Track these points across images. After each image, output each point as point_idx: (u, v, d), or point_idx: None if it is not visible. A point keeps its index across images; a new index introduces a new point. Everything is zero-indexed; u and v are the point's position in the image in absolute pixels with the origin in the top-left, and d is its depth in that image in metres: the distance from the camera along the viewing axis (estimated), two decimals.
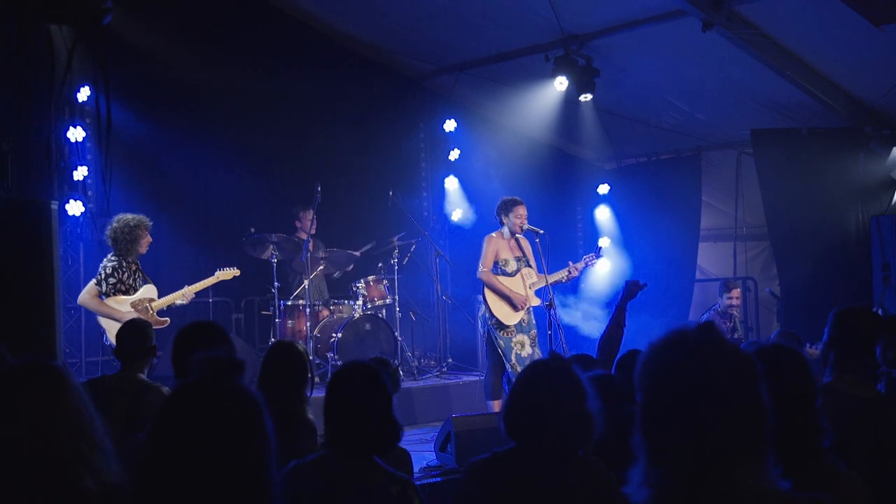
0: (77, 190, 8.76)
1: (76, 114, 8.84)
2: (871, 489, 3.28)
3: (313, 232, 9.74)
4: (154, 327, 6.89)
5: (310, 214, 9.61)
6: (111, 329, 7.22)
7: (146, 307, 7.40)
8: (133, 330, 5.06)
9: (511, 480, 2.93)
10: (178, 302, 7.75)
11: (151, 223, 7.56)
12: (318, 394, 8.07)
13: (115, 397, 4.48)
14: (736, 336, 9.44)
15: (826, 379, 3.75)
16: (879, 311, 9.12)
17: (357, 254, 9.80)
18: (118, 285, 7.34)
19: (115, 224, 7.40)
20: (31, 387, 2.32)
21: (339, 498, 2.95)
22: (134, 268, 7.47)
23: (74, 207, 8.61)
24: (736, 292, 9.77)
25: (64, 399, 2.32)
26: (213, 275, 8.13)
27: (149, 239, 7.52)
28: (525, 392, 3.00)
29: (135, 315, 7.24)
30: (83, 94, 8.71)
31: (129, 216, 7.43)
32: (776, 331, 7.87)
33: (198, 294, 8.07)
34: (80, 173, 8.74)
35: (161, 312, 7.54)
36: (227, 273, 8.17)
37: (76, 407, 2.33)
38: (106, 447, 2.32)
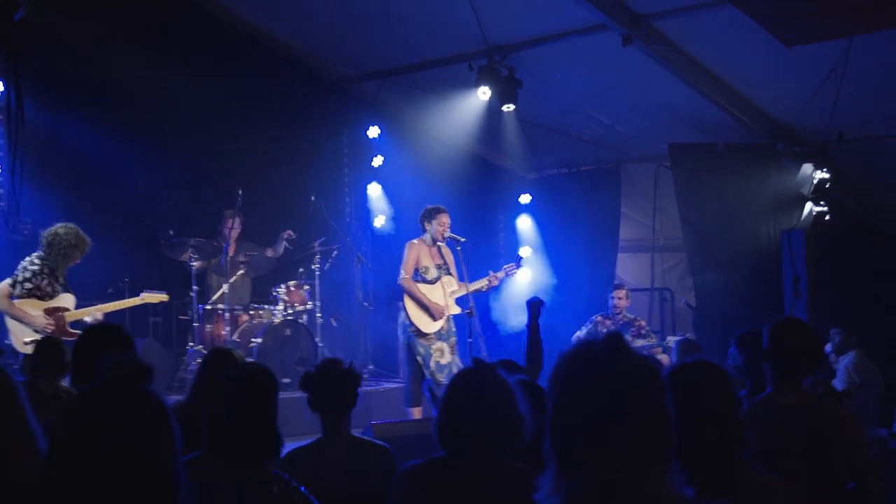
0: None
1: None
2: (809, 497, 3.41)
3: (237, 236, 9.63)
4: (65, 339, 6.79)
5: (234, 221, 9.49)
6: (16, 331, 7.02)
7: (60, 316, 7.18)
8: (48, 347, 5.05)
9: (441, 486, 2.96)
10: (89, 319, 7.51)
11: (91, 247, 7.31)
12: None
13: (45, 402, 4.39)
14: (649, 342, 9.58)
15: (768, 390, 3.85)
16: None
17: (270, 253, 9.74)
18: (34, 290, 7.11)
19: (59, 230, 7.12)
20: None
21: (219, 497, 2.93)
22: (56, 274, 7.23)
23: None
24: (620, 292, 9.91)
25: (9, 400, 2.30)
26: (135, 293, 7.96)
27: (79, 260, 7.29)
28: (454, 401, 3.03)
29: (45, 321, 7.04)
30: None
31: (76, 232, 7.15)
32: (676, 340, 8.06)
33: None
34: None
35: (73, 324, 7.29)
36: (154, 297, 7.96)
37: (20, 409, 2.31)
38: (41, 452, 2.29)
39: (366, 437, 3.93)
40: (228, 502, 2.93)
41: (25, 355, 6.61)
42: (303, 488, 3.00)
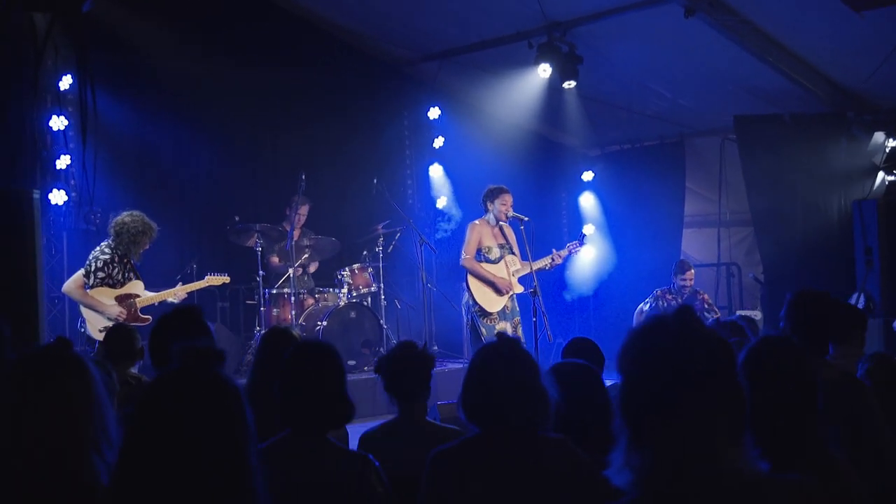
0: (60, 179, 8.71)
1: (59, 102, 8.77)
2: None
3: (303, 222, 9.74)
4: (135, 324, 6.95)
5: (304, 207, 9.61)
6: (92, 320, 7.20)
7: (131, 303, 7.35)
8: (120, 334, 5.13)
9: (476, 465, 2.92)
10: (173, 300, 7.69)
11: (157, 233, 7.47)
12: None
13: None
14: (713, 316, 9.46)
15: None
16: (862, 296, 9.20)
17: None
18: (106, 279, 7.27)
19: (125, 218, 7.28)
20: (52, 373, 2.34)
21: (299, 479, 2.95)
22: (126, 261, 7.40)
23: (57, 196, 8.56)
24: (690, 273, 9.77)
25: (87, 388, 2.36)
26: (202, 278, 8.11)
27: (148, 246, 7.45)
28: (478, 375, 3.01)
29: (118, 309, 7.20)
30: (65, 82, 8.65)
31: (142, 219, 7.32)
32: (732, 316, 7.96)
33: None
34: (63, 162, 8.68)
35: (145, 309, 7.47)
36: (217, 279, 8.11)
37: (97, 397, 2.36)
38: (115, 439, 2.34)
39: (438, 423, 3.91)
40: (308, 480, 2.97)
41: (100, 343, 6.77)
42: (378, 465, 3.03)
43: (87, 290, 7.23)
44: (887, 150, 9.91)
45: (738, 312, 9.90)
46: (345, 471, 2.99)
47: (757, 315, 10.26)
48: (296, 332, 4.43)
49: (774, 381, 2.62)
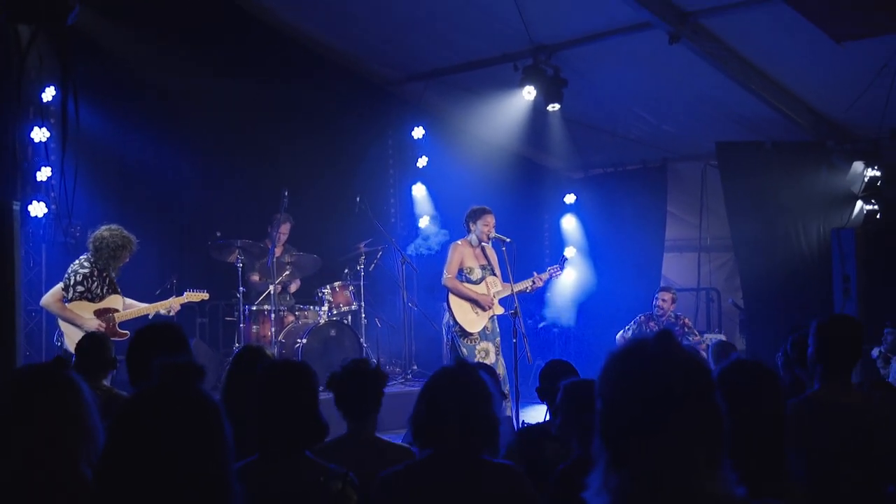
0: (40, 191, 8.66)
1: (40, 114, 8.72)
2: (860, 498, 3.35)
3: (285, 240, 9.72)
4: (113, 339, 6.89)
5: (285, 225, 9.59)
6: (70, 333, 7.13)
7: (109, 317, 7.29)
8: (92, 343, 5.07)
9: (420, 489, 2.95)
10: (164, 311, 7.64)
11: (137, 246, 7.42)
12: None
13: None
14: (693, 339, 9.50)
15: (815, 387, 3.79)
16: None
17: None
18: (85, 293, 7.22)
19: (104, 233, 7.23)
20: (47, 391, 2.40)
21: (279, 499, 2.95)
22: (106, 275, 7.35)
23: (37, 209, 8.50)
24: (664, 295, 9.80)
25: (77, 404, 2.41)
26: (182, 294, 8.06)
27: (127, 259, 7.40)
28: (427, 396, 3.05)
29: (97, 323, 7.15)
30: (48, 94, 8.61)
31: (121, 233, 7.27)
32: (711, 342, 8.00)
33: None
34: (44, 174, 8.63)
35: (123, 324, 7.39)
36: (196, 296, 8.04)
37: (87, 413, 2.41)
38: None
39: (387, 439, 3.93)
40: (287, 498, 2.96)
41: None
42: (355, 479, 3.03)
43: (66, 304, 7.17)
44: (866, 179, 10.01)
45: (708, 335, 9.95)
46: (325, 488, 2.98)
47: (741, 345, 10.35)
48: (269, 350, 4.41)
49: (745, 405, 2.63)
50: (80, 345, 5.15)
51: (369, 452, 3.67)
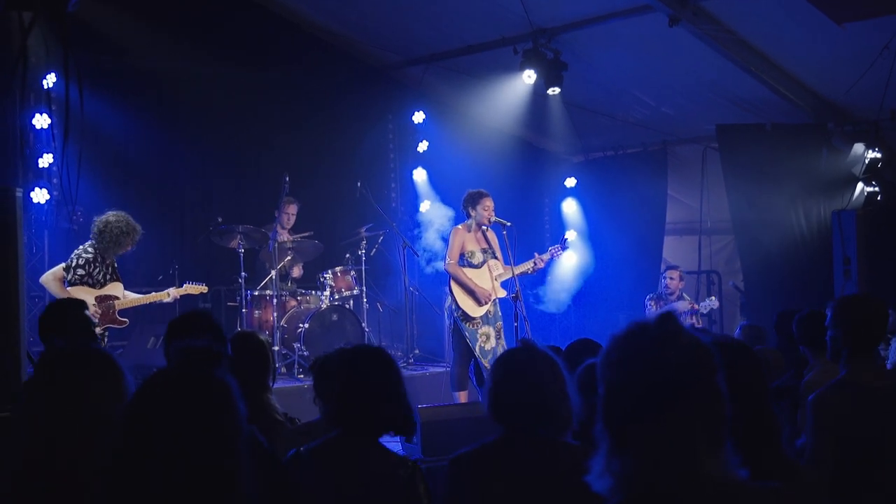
0: (42, 177, 8.67)
1: (42, 101, 8.73)
2: None
3: (292, 223, 9.74)
4: (113, 326, 6.92)
5: (293, 209, 9.62)
6: None
7: (110, 304, 7.29)
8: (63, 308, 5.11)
9: (497, 469, 2.94)
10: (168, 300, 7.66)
11: (141, 235, 7.40)
12: (285, 384, 8.02)
13: None
14: (691, 321, 9.52)
15: (841, 373, 3.69)
16: None
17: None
18: (86, 278, 7.22)
19: (109, 218, 7.20)
20: (91, 371, 2.45)
21: (347, 483, 2.97)
22: (108, 262, 7.35)
23: (39, 195, 8.52)
24: (673, 273, 9.82)
25: (120, 385, 2.45)
26: (184, 281, 8.07)
27: (130, 248, 7.39)
28: (510, 377, 3.03)
29: (94, 309, 7.13)
30: (50, 80, 8.61)
31: (127, 220, 7.23)
32: (740, 324, 7.96)
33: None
34: (46, 161, 8.64)
35: (122, 312, 7.39)
36: (195, 288, 8.03)
37: (128, 393, 2.44)
38: None
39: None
40: (356, 481, 2.99)
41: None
42: (423, 468, 3.06)
43: (67, 287, 7.18)
44: (866, 160, 9.99)
45: (702, 304, 9.95)
46: (393, 475, 3.00)
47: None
48: (261, 335, 4.40)
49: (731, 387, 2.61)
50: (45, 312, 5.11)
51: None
